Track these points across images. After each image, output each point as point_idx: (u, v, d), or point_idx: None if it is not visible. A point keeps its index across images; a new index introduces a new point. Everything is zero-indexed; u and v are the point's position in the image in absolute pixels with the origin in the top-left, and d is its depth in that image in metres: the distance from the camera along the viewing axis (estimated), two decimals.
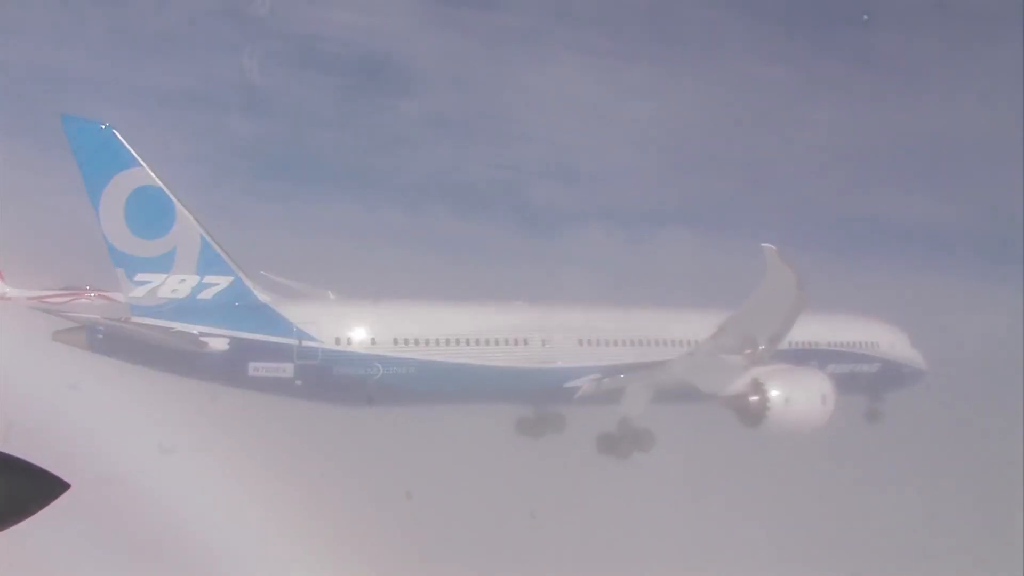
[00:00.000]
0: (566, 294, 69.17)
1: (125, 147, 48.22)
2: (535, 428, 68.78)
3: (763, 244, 45.44)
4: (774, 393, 56.56)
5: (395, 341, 54.15)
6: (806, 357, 67.82)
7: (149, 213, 48.85)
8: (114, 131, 48.12)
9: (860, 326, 76.54)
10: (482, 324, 57.82)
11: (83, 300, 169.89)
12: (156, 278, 49.54)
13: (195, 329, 49.70)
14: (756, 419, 56.75)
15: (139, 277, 49.31)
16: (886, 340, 76.50)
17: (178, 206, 49.55)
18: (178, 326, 49.45)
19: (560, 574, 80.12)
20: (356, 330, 53.43)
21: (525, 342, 58.45)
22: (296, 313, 52.72)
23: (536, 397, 62.50)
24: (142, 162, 48.62)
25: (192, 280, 50.28)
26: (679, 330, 63.99)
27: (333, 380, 52.35)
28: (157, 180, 49.01)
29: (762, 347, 53.92)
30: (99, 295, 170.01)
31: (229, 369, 50.48)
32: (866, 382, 74.50)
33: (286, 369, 51.17)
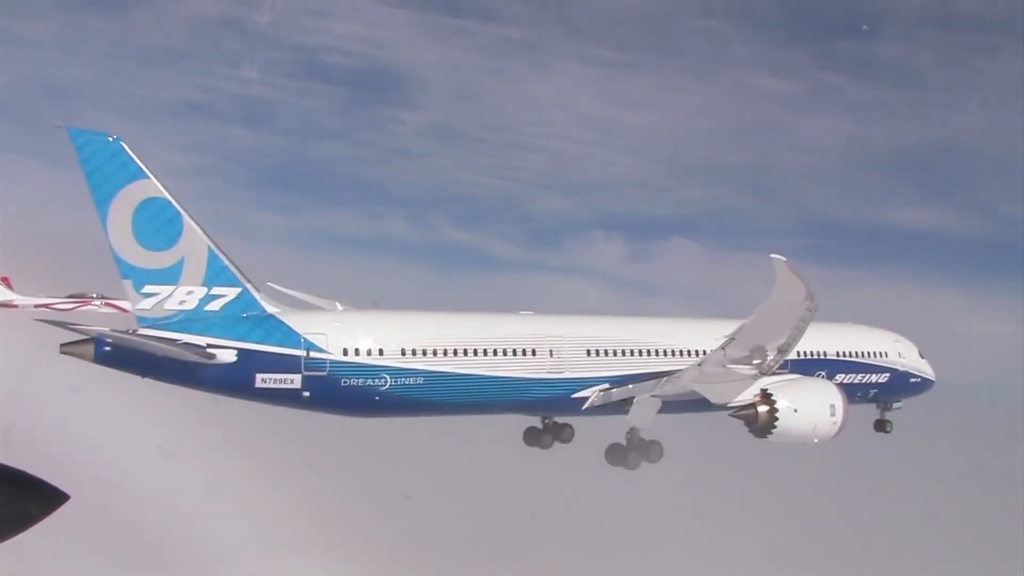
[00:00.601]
0: (569, 304, 68.94)
1: (133, 159, 48.19)
2: (542, 439, 68.62)
3: (772, 254, 45.11)
4: (783, 403, 56.29)
5: (403, 352, 54.00)
6: (815, 367, 67.62)
7: (157, 225, 48.76)
8: (122, 143, 48.10)
9: (868, 336, 76.26)
10: (489, 334, 57.61)
11: (90, 307, 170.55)
12: (163, 290, 49.42)
13: (202, 340, 49.53)
14: (765, 430, 56.45)
15: (146, 289, 49.20)
16: (894, 349, 76.17)
17: (185, 217, 49.46)
18: (185, 337, 49.27)
19: None
20: (364, 341, 53.25)
21: (533, 352, 58.26)
22: (303, 324, 52.56)
23: (544, 408, 62.27)
24: (150, 174, 48.58)
25: (199, 291, 50.15)
26: (687, 340, 63.78)
27: (341, 391, 52.14)
28: (165, 192, 48.95)
29: (771, 357, 53.59)
30: (105, 303, 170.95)
31: (236, 380, 50.29)
32: (875, 392, 74.19)
33: (293, 380, 50.99)
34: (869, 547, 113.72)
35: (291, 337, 51.46)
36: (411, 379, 53.89)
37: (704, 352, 58.62)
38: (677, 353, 62.88)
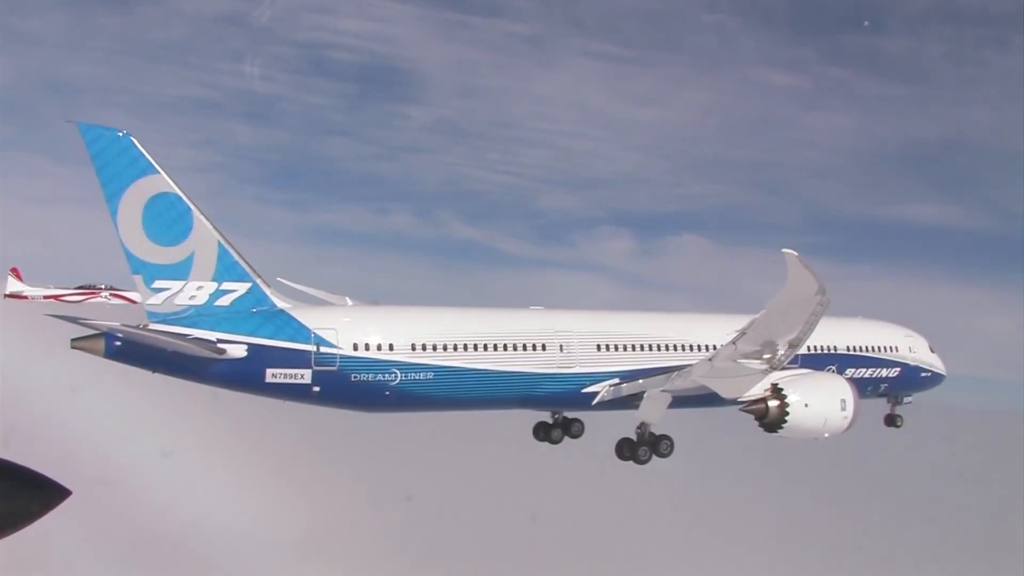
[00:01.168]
0: (578, 300, 68.78)
1: (143, 154, 48.15)
2: (552, 434, 68.62)
3: (784, 249, 44.92)
4: (794, 398, 56.28)
5: (413, 347, 53.98)
6: (825, 362, 67.52)
7: (167, 220, 48.74)
8: (132, 138, 48.05)
9: (879, 330, 76.11)
10: (499, 330, 57.57)
11: (99, 298, 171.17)
12: (174, 285, 49.43)
13: (213, 335, 49.55)
14: (776, 424, 56.40)
15: (157, 284, 49.20)
16: (905, 344, 76.02)
17: (196, 212, 49.45)
18: (196, 332, 49.28)
19: None
20: (374, 336, 53.24)
21: (543, 348, 58.22)
22: (314, 319, 52.55)
23: (554, 403, 62.22)
24: (160, 169, 48.56)
25: (210, 287, 50.18)
26: (697, 335, 63.72)
27: (351, 386, 52.14)
28: (175, 187, 48.94)
29: (782, 352, 53.47)
30: (114, 294, 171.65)
31: (247, 375, 50.29)
32: (886, 386, 74.05)
33: (304, 375, 51.00)
34: (877, 543, 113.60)
35: (301, 332, 51.47)
36: (421, 374, 53.91)
37: (714, 347, 58.52)
38: (687, 348, 62.85)
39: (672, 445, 61.84)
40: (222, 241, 50.34)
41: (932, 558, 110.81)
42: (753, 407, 56.83)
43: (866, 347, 72.71)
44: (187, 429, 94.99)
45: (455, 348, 55.22)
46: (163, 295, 49.31)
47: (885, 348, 74.17)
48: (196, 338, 49.04)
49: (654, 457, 61.53)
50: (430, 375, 54.15)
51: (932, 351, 78.39)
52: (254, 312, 51.20)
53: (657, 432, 61.37)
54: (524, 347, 57.62)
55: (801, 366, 62.76)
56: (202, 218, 49.68)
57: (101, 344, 47.98)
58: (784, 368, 57.01)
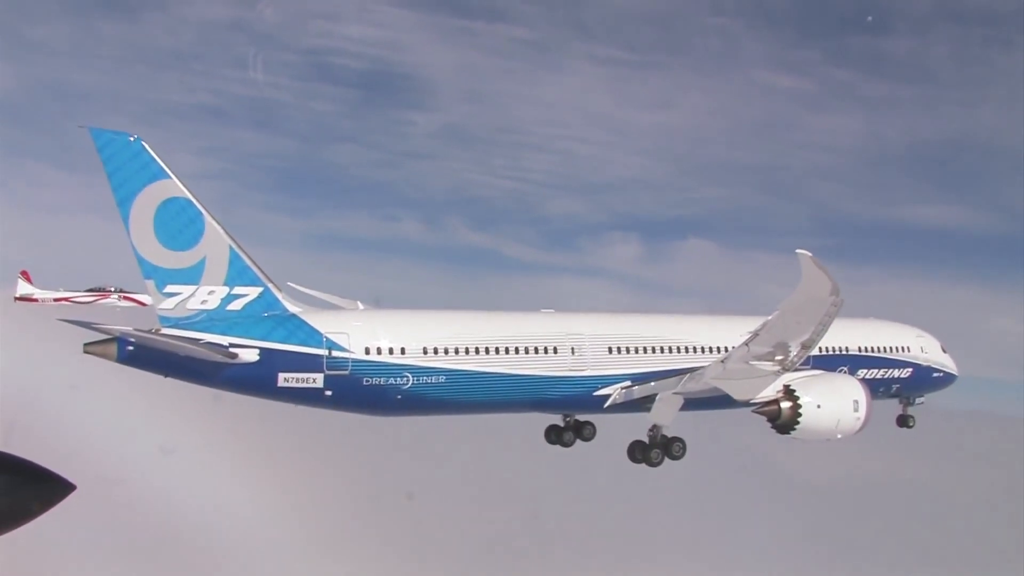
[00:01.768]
0: (586, 305, 68.64)
1: (155, 158, 48.20)
2: (564, 437, 68.47)
3: (798, 250, 44.76)
4: (806, 399, 56.02)
5: (424, 351, 53.92)
6: (837, 363, 67.28)
7: (179, 224, 48.77)
8: (143, 143, 48.10)
9: (891, 331, 75.85)
10: (511, 333, 57.47)
11: (109, 300, 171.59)
12: (185, 289, 49.46)
13: (225, 340, 49.54)
14: (788, 426, 56.16)
15: (168, 288, 49.23)
16: (917, 344, 75.74)
17: (207, 217, 49.48)
18: (208, 337, 49.28)
19: None
20: (386, 340, 53.17)
21: (555, 351, 58.09)
22: (325, 323, 52.51)
23: (565, 406, 62.08)
24: (171, 173, 48.58)
25: (221, 291, 50.18)
26: (709, 337, 63.56)
27: (363, 390, 52.07)
28: (187, 191, 48.95)
29: (794, 353, 53.30)
30: (123, 296, 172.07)
31: (259, 380, 50.26)
32: (898, 387, 73.77)
33: (316, 379, 50.96)
34: (888, 546, 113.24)
35: (313, 336, 51.43)
36: (433, 378, 53.83)
37: (726, 349, 58.34)
38: (699, 350, 62.68)
39: (684, 447, 61.67)
40: (233, 245, 50.35)
41: (944, 561, 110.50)
42: (765, 409, 56.60)
43: (878, 348, 72.46)
44: (196, 429, 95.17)
45: (466, 351, 55.13)
46: (175, 299, 49.35)
47: (897, 349, 73.90)
48: (208, 342, 49.06)
49: (666, 459, 61.38)
50: (442, 378, 54.07)
51: (944, 351, 78.08)
52: (266, 316, 51.19)
53: (669, 434, 61.22)
54: (535, 350, 57.52)
55: (813, 367, 62.48)
56: (213, 223, 49.71)
57: (113, 349, 48.01)
58: (796, 370, 56.86)
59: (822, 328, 50.26)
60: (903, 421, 77.28)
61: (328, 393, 51.34)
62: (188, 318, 49.56)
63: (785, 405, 55.99)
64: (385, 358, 52.71)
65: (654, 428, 60.96)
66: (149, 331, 48.91)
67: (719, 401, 58.18)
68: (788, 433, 56.44)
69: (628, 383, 59.56)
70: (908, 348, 74.90)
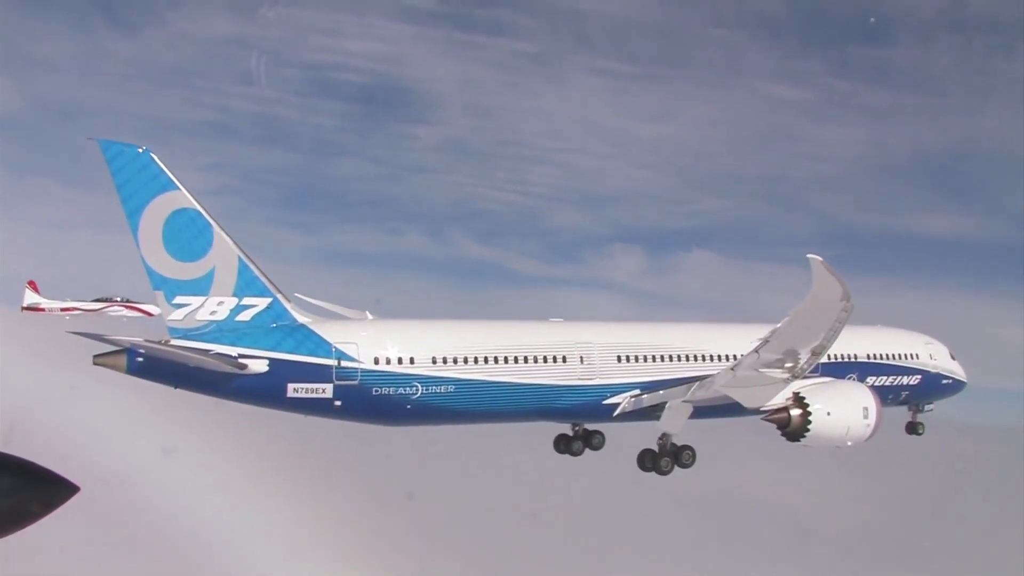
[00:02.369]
0: (590, 318, 68.38)
1: (163, 170, 48.30)
2: (573, 446, 68.30)
3: (809, 255, 44.65)
4: (816, 406, 55.76)
5: (433, 360, 53.85)
6: (846, 370, 67.06)
7: (188, 235, 48.84)
8: (152, 154, 48.20)
9: (899, 338, 75.55)
10: (520, 342, 57.39)
11: (114, 308, 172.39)
12: (195, 300, 49.49)
13: (234, 351, 49.51)
14: (798, 433, 55.91)
15: (178, 299, 49.26)
16: (925, 351, 75.42)
17: (216, 228, 49.53)
18: (217, 348, 49.26)
19: None
20: (395, 350, 53.12)
21: (563, 360, 57.99)
22: (334, 333, 52.48)
23: (575, 415, 61.90)
24: (180, 185, 48.67)
25: (230, 302, 50.19)
26: (718, 345, 63.41)
27: (372, 400, 52.00)
28: (195, 202, 49.03)
29: (804, 360, 53.16)
30: (129, 306, 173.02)
31: (268, 390, 50.21)
32: (907, 394, 73.48)
33: (325, 390, 50.91)
34: (894, 554, 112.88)
35: (322, 346, 51.41)
36: (442, 387, 53.76)
37: (735, 357, 58.17)
38: (707, 358, 62.53)
39: (694, 455, 61.42)
40: (242, 256, 50.40)
41: (948, 573, 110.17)
42: (775, 416, 56.36)
43: (887, 355, 72.19)
44: (199, 433, 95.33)
45: (475, 361, 55.07)
46: (184, 310, 49.38)
47: (906, 356, 73.63)
48: (217, 353, 49.03)
49: (676, 468, 61.17)
50: (451, 388, 54.01)
51: (952, 358, 77.76)
52: (274, 327, 51.19)
53: (679, 443, 61.02)
54: (544, 359, 57.44)
55: (822, 375, 62.28)
56: (222, 234, 49.77)
57: (123, 360, 48.04)
58: (805, 377, 56.70)
59: (833, 334, 50.16)
60: (912, 428, 76.95)
61: (337, 403, 51.29)
62: (197, 329, 49.58)
63: (795, 412, 55.76)
64: (394, 368, 52.67)
65: (664, 436, 60.76)
66: (158, 342, 48.92)
67: (729, 409, 57.98)
68: (798, 441, 56.17)
69: (637, 391, 59.44)
70: (917, 355, 74.59)
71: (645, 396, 59.15)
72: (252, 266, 50.78)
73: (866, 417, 56.64)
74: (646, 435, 61.39)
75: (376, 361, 52.30)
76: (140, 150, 48.13)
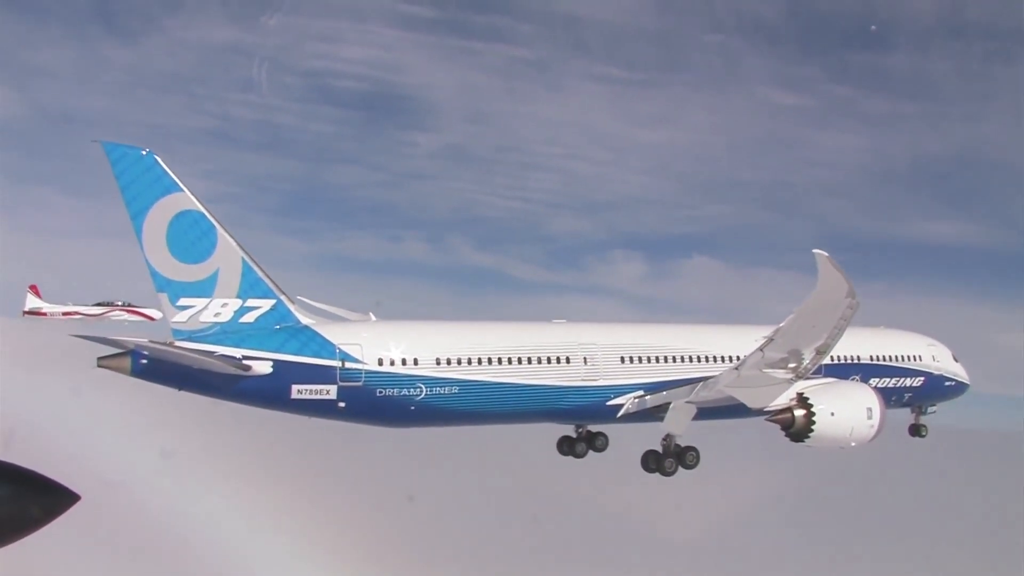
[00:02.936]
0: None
1: (167, 172, 48.31)
2: (576, 447, 68.22)
3: (815, 250, 44.61)
4: (820, 407, 55.76)
5: (437, 361, 53.80)
6: (849, 372, 67.02)
7: (191, 237, 48.83)
8: (155, 156, 48.20)
9: (902, 340, 75.52)
10: (523, 343, 57.35)
11: (116, 312, 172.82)
12: (199, 302, 49.45)
13: (238, 352, 49.48)
14: (802, 434, 55.90)
15: (182, 301, 49.23)
16: (928, 353, 75.37)
17: (220, 230, 49.52)
18: (221, 350, 49.21)
19: None
20: (398, 351, 53.07)
21: (567, 361, 57.94)
22: (338, 335, 52.46)
23: (578, 416, 61.86)
24: (184, 187, 48.67)
25: (234, 304, 50.15)
26: (722, 346, 63.36)
27: (376, 401, 51.94)
28: (199, 204, 49.04)
29: (808, 359, 53.13)
30: (131, 310, 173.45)
31: (272, 392, 50.16)
32: (910, 396, 73.41)
33: (329, 391, 50.86)
34: (900, 555, 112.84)
35: (326, 348, 51.37)
36: (446, 388, 53.71)
37: (738, 358, 58.16)
38: (711, 359, 62.48)
39: (698, 456, 61.41)
40: (246, 258, 50.39)
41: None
42: (779, 417, 56.39)
43: (890, 357, 72.16)
44: (202, 437, 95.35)
45: (479, 362, 55.04)
46: (188, 312, 49.34)
47: (909, 357, 73.60)
48: (222, 355, 48.99)
49: (680, 469, 61.13)
50: (455, 389, 53.96)
51: (955, 360, 77.71)
52: (278, 329, 51.15)
53: (683, 444, 60.98)
54: (548, 360, 57.39)
55: (825, 376, 62.28)
56: (226, 235, 49.76)
57: (127, 362, 47.96)
58: (808, 378, 56.69)
59: (837, 332, 50.14)
60: (915, 430, 76.93)
61: (342, 405, 51.24)
62: (201, 331, 49.53)
63: (799, 413, 55.78)
64: (398, 369, 52.63)
65: (667, 437, 60.74)
66: (163, 344, 48.87)
67: (732, 410, 57.96)
68: (802, 441, 56.18)
69: (641, 392, 59.38)
70: (920, 357, 74.55)
71: (649, 397, 59.10)
72: (256, 268, 50.78)
73: (870, 418, 56.66)
74: (650, 436, 61.37)
75: (380, 362, 52.25)
76: (143, 152, 48.14)
